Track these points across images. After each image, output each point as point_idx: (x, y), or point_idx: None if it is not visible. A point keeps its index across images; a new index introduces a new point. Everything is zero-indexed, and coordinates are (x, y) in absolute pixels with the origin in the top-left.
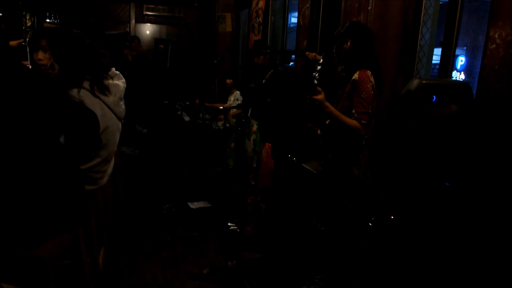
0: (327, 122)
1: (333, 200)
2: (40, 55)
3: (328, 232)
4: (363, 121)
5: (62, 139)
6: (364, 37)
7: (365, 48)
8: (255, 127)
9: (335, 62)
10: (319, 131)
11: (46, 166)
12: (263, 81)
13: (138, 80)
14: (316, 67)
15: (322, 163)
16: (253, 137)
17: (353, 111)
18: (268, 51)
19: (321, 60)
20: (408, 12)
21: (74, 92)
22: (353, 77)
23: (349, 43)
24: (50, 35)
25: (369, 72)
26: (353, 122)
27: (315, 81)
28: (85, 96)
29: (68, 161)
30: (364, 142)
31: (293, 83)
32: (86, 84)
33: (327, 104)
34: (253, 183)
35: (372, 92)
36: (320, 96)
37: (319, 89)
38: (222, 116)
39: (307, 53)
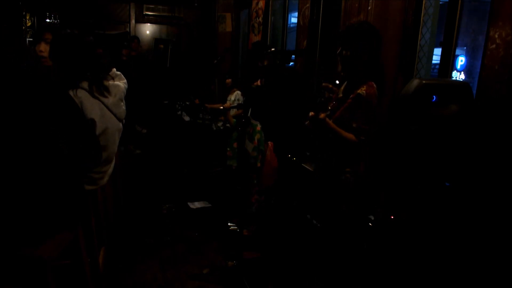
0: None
1: (327, 200)
2: (42, 47)
3: (326, 232)
4: (362, 138)
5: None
6: (379, 45)
7: (378, 56)
8: (259, 127)
9: (335, 62)
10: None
11: (45, 166)
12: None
13: (136, 80)
14: (330, 98)
15: (317, 162)
16: (257, 136)
17: (354, 125)
18: (269, 51)
19: (336, 91)
20: (408, 12)
21: (72, 92)
22: (360, 91)
23: (367, 55)
24: (54, 30)
25: (375, 87)
26: (350, 136)
27: (328, 107)
28: (84, 97)
29: (67, 161)
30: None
31: (293, 84)
32: (85, 84)
33: (328, 121)
34: (255, 182)
35: (376, 108)
36: (323, 115)
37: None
38: (223, 117)
39: (324, 84)
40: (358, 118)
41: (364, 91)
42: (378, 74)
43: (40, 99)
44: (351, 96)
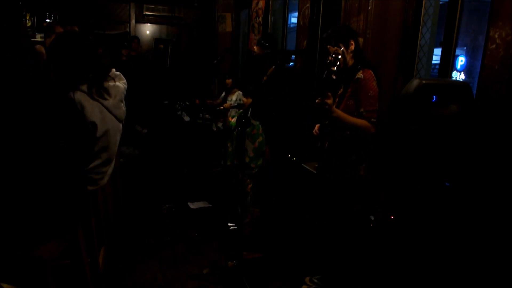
0: (326, 122)
1: (338, 200)
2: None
3: (328, 232)
4: (372, 119)
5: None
6: (353, 33)
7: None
8: (261, 129)
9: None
10: (316, 130)
11: (45, 167)
12: (264, 78)
13: (136, 80)
14: (336, 62)
15: (322, 163)
16: (259, 139)
17: (361, 110)
18: (268, 51)
19: (340, 55)
20: (408, 12)
21: (70, 95)
22: (357, 76)
23: (353, 44)
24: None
25: (371, 71)
26: (362, 122)
27: (333, 76)
28: (84, 100)
29: (67, 162)
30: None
31: (294, 83)
32: (84, 87)
33: (335, 108)
34: (253, 166)
35: (378, 90)
36: (330, 101)
37: (329, 94)
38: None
39: (328, 46)
40: (363, 101)
41: (361, 74)
42: (369, 63)
43: (40, 99)
44: (351, 84)
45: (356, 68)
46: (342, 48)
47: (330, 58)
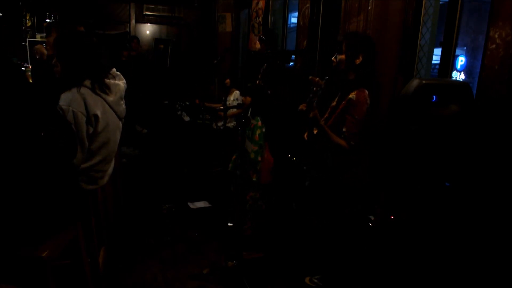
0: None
1: (339, 200)
2: (52, 39)
3: (328, 232)
4: (351, 142)
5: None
6: (374, 54)
7: (372, 65)
8: (260, 122)
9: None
10: (302, 107)
11: (45, 167)
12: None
13: (136, 80)
14: (318, 92)
15: (313, 165)
16: (258, 131)
17: (344, 130)
18: (269, 51)
19: (323, 86)
20: (408, 12)
21: (75, 90)
22: (350, 96)
23: (360, 58)
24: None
25: (366, 93)
26: (341, 142)
27: (314, 104)
28: (86, 94)
29: (67, 162)
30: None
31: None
32: (87, 82)
33: (321, 123)
34: (254, 179)
35: (366, 114)
36: (312, 114)
37: (315, 108)
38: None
39: (310, 77)
40: (348, 122)
41: (354, 95)
42: (370, 82)
43: (40, 99)
44: (343, 102)
45: (354, 84)
46: (342, 57)
47: (314, 88)
